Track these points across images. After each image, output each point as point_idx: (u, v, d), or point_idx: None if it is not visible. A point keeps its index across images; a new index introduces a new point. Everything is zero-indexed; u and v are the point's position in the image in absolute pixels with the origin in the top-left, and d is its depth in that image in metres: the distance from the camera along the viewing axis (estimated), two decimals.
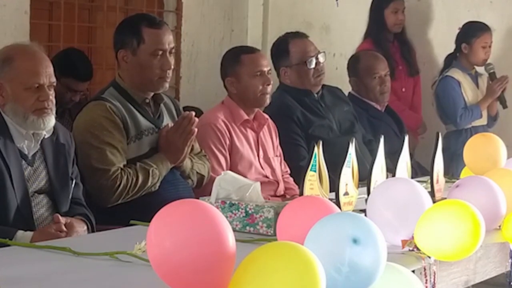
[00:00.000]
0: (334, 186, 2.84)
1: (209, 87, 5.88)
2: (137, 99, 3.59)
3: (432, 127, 5.59)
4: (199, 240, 1.81)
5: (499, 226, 2.99)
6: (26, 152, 3.06)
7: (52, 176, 3.12)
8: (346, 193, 2.86)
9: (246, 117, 4.07)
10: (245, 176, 3.35)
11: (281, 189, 4.14)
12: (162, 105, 3.68)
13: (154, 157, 3.54)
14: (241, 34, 6.46)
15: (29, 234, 2.90)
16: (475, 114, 5.52)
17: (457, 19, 5.82)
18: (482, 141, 3.68)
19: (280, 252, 1.78)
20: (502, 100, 5.55)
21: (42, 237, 2.82)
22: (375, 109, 5.01)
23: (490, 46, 5.55)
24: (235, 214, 2.84)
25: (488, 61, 5.57)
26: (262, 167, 4.09)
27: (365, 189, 2.95)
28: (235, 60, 4.09)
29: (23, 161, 3.04)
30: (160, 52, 3.55)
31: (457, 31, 5.66)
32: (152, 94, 3.63)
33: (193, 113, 3.61)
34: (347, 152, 2.86)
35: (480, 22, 5.61)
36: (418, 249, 2.49)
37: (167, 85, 3.63)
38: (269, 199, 3.77)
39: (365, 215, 2.53)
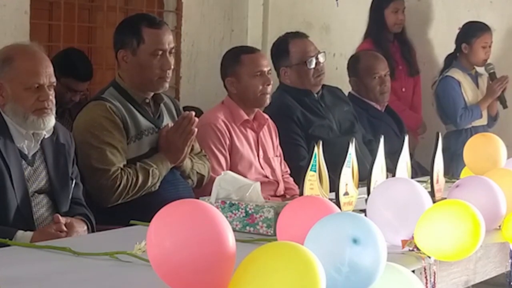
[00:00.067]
0: (334, 186, 2.85)
1: (209, 87, 5.88)
2: (137, 99, 3.59)
3: (432, 127, 5.59)
4: (199, 240, 1.81)
5: (499, 226, 2.99)
6: (26, 152, 3.06)
7: (52, 176, 3.12)
8: (346, 193, 2.86)
9: (246, 117, 4.07)
10: (245, 176, 3.35)
11: (281, 189, 4.14)
12: (162, 105, 3.68)
13: (154, 157, 3.54)
14: (241, 34, 6.46)
15: (29, 234, 2.90)
16: (475, 114, 5.52)
17: (457, 19, 5.82)
18: (482, 141, 3.68)
19: (280, 252, 1.78)
20: (502, 100, 5.55)
21: (42, 237, 2.82)
22: (375, 109, 5.01)
23: (490, 46, 5.55)
24: (235, 214, 2.84)
25: (488, 61, 5.57)
26: (262, 167, 4.09)
27: (365, 189, 2.95)
28: (235, 60, 4.09)
29: (23, 161, 3.05)
30: (160, 52, 3.55)
31: (457, 31, 5.66)
32: (152, 94, 3.63)
33: (193, 113, 3.61)
34: (347, 152, 2.86)
35: (480, 22, 5.61)
36: (418, 249, 2.49)
37: (167, 85, 3.63)
38: (269, 199, 3.77)
39: (365, 215, 2.53)
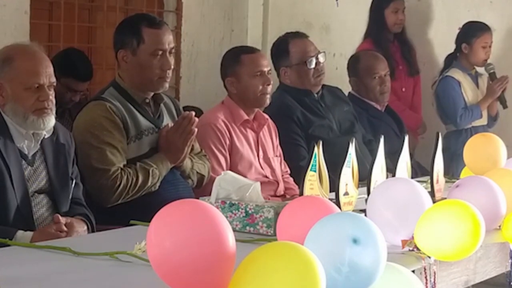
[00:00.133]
0: (334, 186, 2.84)
1: (209, 87, 5.88)
2: (137, 99, 3.59)
3: (432, 127, 5.59)
4: (199, 240, 1.81)
5: (499, 226, 2.99)
6: (26, 152, 3.06)
7: (52, 176, 3.12)
8: (346, 193, 2.86)
9: (246, 117, 4.07)
10: (245, 176, 3.35)
11: (281, 189, 4.14)
12: (162, 105, 3.68)
13: (154, 157, 3.54)
14: (241, 34, 6.46)
15: (29, 234, 2.90)
16: (475, 114, 5.52)
17: (457, 19, 5.82)
18: (482, 141, 3.68)
19: (280, 252, 1.78)
20: (502, 100, 5.55)
21: (42, 237, 2.82)
22: (375, 109, 5.01)
23: (490, 46, 5.55)
24: (235, 214, 2.84)
25: (488, 61, 5.57)
26: (262, 167, 4.09)
27: (365, 189, 2.95)
28: (235, 60, 4.09)
29: (23, 161, 3.05)
30: (160, 52, 3.55)
31: (457, 31, 5.66)
32: (152, 94, 3.63)
33: (193, 113, 3.61)
34: (347, 152, 2.86)
35: (480, 22, 5.61)
36: (418, 249, 2.49)
37: (167, 85, 3.63)
38: (269, 199, 3.77)
39: (365, 215, 2.53)
